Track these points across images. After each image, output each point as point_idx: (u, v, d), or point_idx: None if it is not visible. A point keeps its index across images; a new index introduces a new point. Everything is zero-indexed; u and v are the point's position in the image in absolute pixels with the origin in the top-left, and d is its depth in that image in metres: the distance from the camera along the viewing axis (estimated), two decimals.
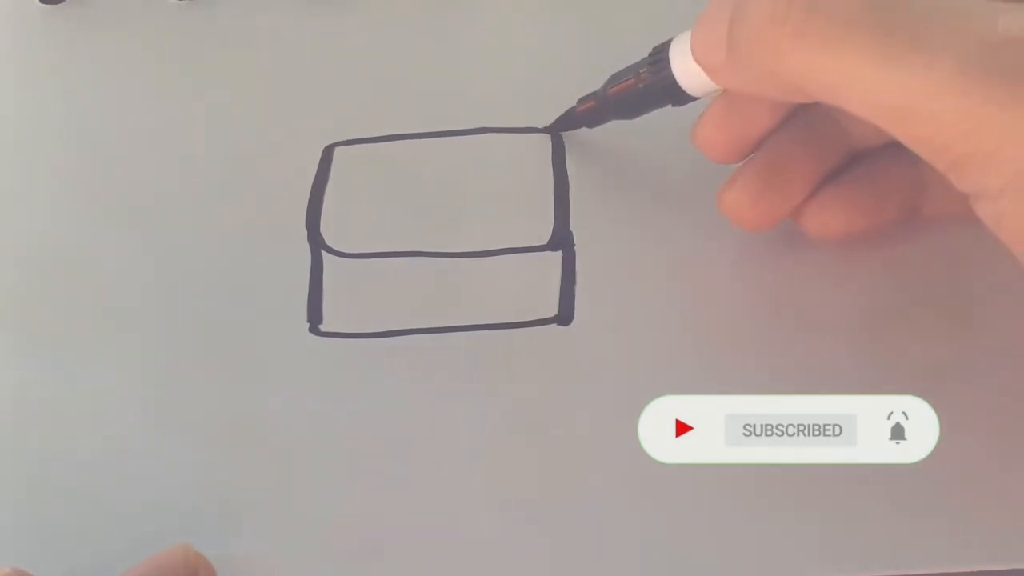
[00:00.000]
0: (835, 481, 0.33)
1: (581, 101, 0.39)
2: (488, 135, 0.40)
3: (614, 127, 0.38)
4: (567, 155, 0.39)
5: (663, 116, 0.38)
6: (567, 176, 0.39)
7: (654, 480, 0.33)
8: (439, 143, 0.40)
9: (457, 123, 0.40)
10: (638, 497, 0.33)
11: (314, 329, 0.36)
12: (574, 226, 0.38)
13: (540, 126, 0.40)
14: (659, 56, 0.36)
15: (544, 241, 0.38)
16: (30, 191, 0.40)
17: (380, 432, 0.34)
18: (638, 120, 0.38)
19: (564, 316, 0.36)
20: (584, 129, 0.39)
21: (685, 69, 0.35)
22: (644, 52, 0.37)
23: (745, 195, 0.35)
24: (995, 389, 0.34)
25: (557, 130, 0.40)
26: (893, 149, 0.34)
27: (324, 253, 0.38)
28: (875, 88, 0.29)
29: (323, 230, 0.38)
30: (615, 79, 0.37)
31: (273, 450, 0.34)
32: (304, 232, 0.38)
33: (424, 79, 0.42)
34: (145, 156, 0.41)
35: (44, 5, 0.45)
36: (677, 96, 0.36)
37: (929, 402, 0.33)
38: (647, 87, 0.36)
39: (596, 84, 0.38)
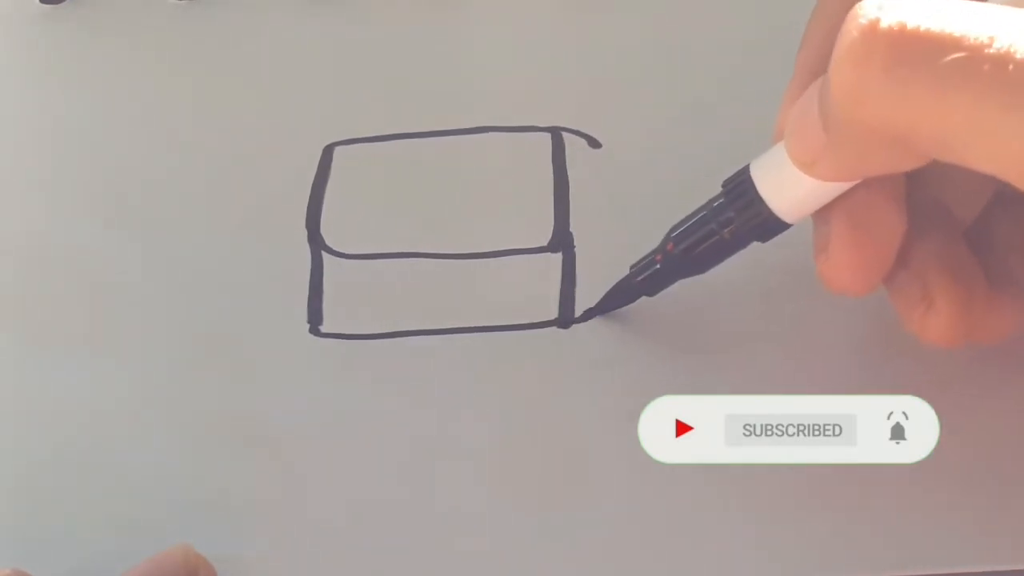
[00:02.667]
0: (835, 481, 0.33)
1: (636, 266, 0.35)
2: (488, 135, 0.40)
3: (623, 128, 0.38)
4: (567, 155, 0.39)
5: (665, 116, 0.38)
6: (567, 176, 0.39)
7: (654, 480, 0.33)
8: (439, 143, 0.40)
9: (457, 123, 0.40)
10: (638, 497, 0.33)
11: (314, 330, 0.36)
12: (574, 227, 0.38)
13: (541, 125, 0.40)
14: (741, 192, 0.31)
15: (544, 242, 0.38)
16: (30, 191, 0.40)
17: (380, 433, 0.34)
18: (637, 120, 0.38)
19: (564, 318, 0.36)
20: (583, 130, 0.39)
21: (780, 196, 0.31)
22: (644, 51, 0.37)
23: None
24: (995, 389, 0.34)
25: (604, 311, 0.36)
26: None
27: (324, 254, 0.38)
28: (1006, 134, 0.25)
29: (323, 230, 0.38)
30: (688, 237, 0.33)
31: (273, 450, 0.34)
32: (304, 232, 0.38)
33: (424, 79, 0.42)
34: (145, 156, 0.41)
35: (44, 5, 0.45)
36: (770, 230, 0.31)
37: (929, 402, 0.33)
38: (738, 230, 0.32)
39: (596, 83, 0.38)
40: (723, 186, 0.32)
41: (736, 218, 0.32)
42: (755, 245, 0.33)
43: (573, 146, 0.40)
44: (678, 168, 0.39)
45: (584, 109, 0.40)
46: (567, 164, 0.39)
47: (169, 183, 0.40)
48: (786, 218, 0.31)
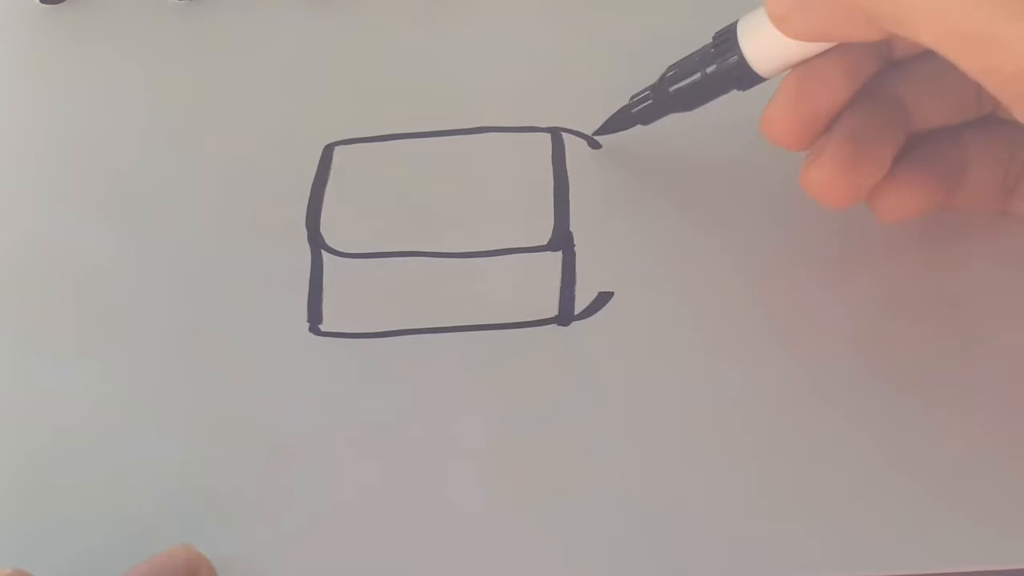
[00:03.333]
0: (835, 481, 0.33)
1: (634, 99, 0.38)
2: (488, 135, 0.40)
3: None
4: (567, 155, 0.39)
5: (667, 117, 0.38)
6: (567, 176, 0.39)
7: (654, 480, 0.33)
8: (439, 143, 0.40)
9: (457, 123, 0.40)
10: (638, 497, 0.33)
11: (314, 329, 0.36)
12: (574, 226, 0.38)
13: (541, 126, 0.40)
14: (725, 40, 0.35)
15: (544, 241, 0.38)
16: (30, 191, 0.40)
17: (380, 432, 0.34)
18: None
19: (564, 316, 0.36)
20: (583, 130, 0.39)
21: (756, 48, 0.34)
22: (644, 51, 0.37)
23: (833, 167, 0.34)
24: (995, 389, 0.34)
25: (607, 132, 0.39)
26: (943, 132, 0.35)
27: (324, 253, 0.38)
28: (949, 15, 0.28)
29: (323, 230, 0.38)
30: (677, 72, 0.37)
31: (273, 449, 0.34)
32: (304, 232, 0.38)
33: (424, 79, 0.42)
34: (144, 156, 0.41)
35: (44, 5, 0.45)
36: (745, 79, 0.35)
37: (926, 400, 0.33)
38: (714, 74, 0.35)
39: (596, 83, 0.38)
40: (713, 36, 0.36)
41: (718, 64, 0.35)
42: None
43: (573, 146, 0.40)
44: (678, 167, 0.39)
45: (584, 109, 0.40)
46: (567, 164, 0.39)
47: (169, 183, 0.40)
48: (759, 70, 0.35)
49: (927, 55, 0.33)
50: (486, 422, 0.34)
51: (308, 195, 0.39)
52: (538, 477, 0.33)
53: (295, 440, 0.34)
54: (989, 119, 0.35)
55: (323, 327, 0.36)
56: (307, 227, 0.39)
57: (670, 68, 0.37)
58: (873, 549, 0.32)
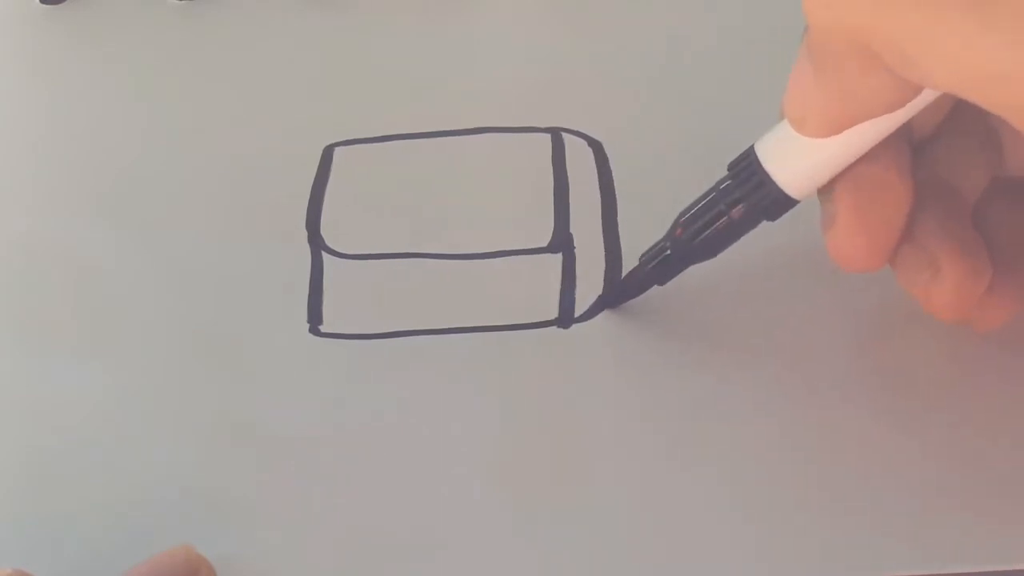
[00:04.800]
0: (835, 482, 0.33)
1: (645, 256, 0.35)
2: (488, 135, 0.40)
3: (623, 128, 0.38)
4: (567, 155, 0.39)
5: (666, 118, 0.38)
6: (567, 177, 0.39)
7: (655, 479, 0.33)
8: (439, 143, 0.40)
9: (457, 123, 0.40)
10: (639, 496, 0.33)
11: (314, 330, 0.36)
12: (574, 228, 0.38)
13: (540, 126, 0.40)
14: (745, 168, 0.32)
15: (544, 243, 0.38)
16: (30, 191, 0.40)
17: (380, 433, 0.34)
18: (637, 120, 0.38)
19: (564, 318, 0.36)
20: (583, 131, 0.39)
21: (785, 169, 0.31)
22: (644, 51, 0.37)
23: (969, 289, 0.31)
24: (995, 389, 0.34)
25: (615, 302, 0.36)
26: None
27: (324, 254, 0.38)
28: (964, 55, 0.25)
29: (323, 231, 0.38)
30: (696, 222, 0.33)
31: (273, 450, 0.34)
32: (304, 233, 0.38)
33: (424, 79, 0.42)
34: (145, 156, 0.41)
35: (44, 5, 0.45)
36: (778, 208, 0.32)
37: (929, 402, 0.33)
38: (746, 209, 0.32)
39: (596, 83, 0.38)
40: (729, 168, 0.32)
41: (744, 197, 0.32)
42: (762, 232, 0.33)
43: (573, 146, 0.40)
44: (678, 168, 0.39)
45: (584, 109, 0.40)
46: (567, 164, 0.39)
47: (169, 183, 0.40)
48: (793, 193, 0.31)
49: (943, 133, 0.32)
50: (486, 424, 0.34)
51: (308, 195, 0.39)
52: (538, 479, 0.33)
53: (295, 440, 0.34)
54: (1005, 183, 0.33)
55: (323, 328, 0.36)
56: (307, 228, 0.39)
57: (683, 214, 0.34)
58: (874, 550, 0.32)
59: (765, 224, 0.37)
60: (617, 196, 0.39)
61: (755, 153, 0.32)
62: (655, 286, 0.35)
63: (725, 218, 0.32)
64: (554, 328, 0.36)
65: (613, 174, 0.39)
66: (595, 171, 0.39)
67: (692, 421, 0.34)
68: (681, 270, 0.34)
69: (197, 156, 0.40)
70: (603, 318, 0.36)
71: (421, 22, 0.43)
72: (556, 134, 0.40)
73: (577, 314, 0.36)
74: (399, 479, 0.33)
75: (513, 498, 0.33)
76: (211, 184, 0.40)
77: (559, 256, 0.37)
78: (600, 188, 0.39)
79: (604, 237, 0.38)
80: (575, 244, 0.38)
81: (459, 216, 0.38)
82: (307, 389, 0.35)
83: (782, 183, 0.31)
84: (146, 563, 0.31)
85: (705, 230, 0.33)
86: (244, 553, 0.32)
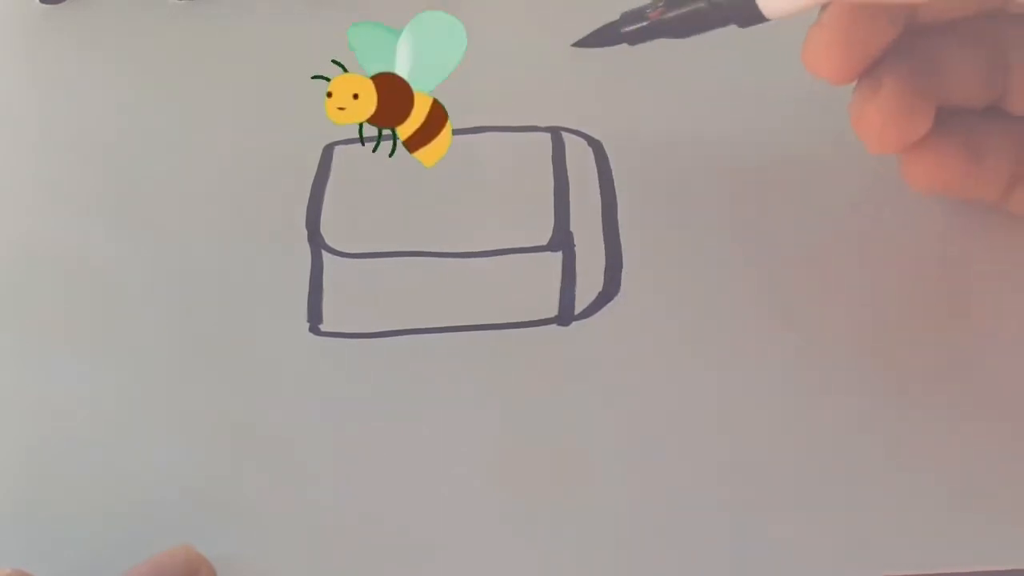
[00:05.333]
0: (839, 481, 0.33)
1: (626, 17, 0.36)
2: (488, 135, 0.40)
3: (623, 128, 0.38)
4: (567, 155, 0.39)
5: (665, 116, 0.38)
6: (567, 176, 0.39)
7: (655, 479, 0.33)
8: None
9: (457, 123, 0.40)
10: (639, 496, 0.33)
11: (314, 329, 0.36)
12: (574, 226, 0.38)
13: (541, 126, 0.40)
14: None
15: (544, 242, 0.38)
16: (29, 191, 0.40)
17: (380, 432, 0.34)
18: (637, 120, 0.38)
19: (564, 316, 0.36)
20: (582, 131, 0.39)
21: None
22: (644, 51, 0.37)
23: (894, 104, 0.33)
24: (995, 389, 0.34)
25: (589, 45, 0.37)
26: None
27: (324, 253, 0.38)
28: None
29: (323, 230, 0.38)
30: (675, 1, 0.35)
31: (273, 449, 0.34)
32: (304, 232, 0.38)
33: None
34: (145, 156, 0.41)
35: (44, 5, 0.45)
36: (748, 16, 0.34)
37: (926, 402, 0.33)
38: (717, 5, 0.34)
39: (596, 83, 0.38)
40: None
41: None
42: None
43: (573, 146, 0.40)
44: (678, 168, 0.39)
45: (584, 109, 0.40)
46: (567, 164, 0.39)
47: (169, 183, 0.40)
48: (764, 10, 0.33)
49: (953, 26, 0.34)
50: (486, 422, 0.34)
51: (308, 195, 0.39)
52: (539, 477, 0.33)
53: (295, 440, 0.34)
54: (1000, 112, 0.35)
55: (323, 327, 0.36)
56: (307, 227, 0.39)
57: None
58: (876, 549, 0.32)
59: (766, 225, 0.37)
60: (617, 195, 0.39)
61: None
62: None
63: (703, 3, 0.34)
64: (554, 326, 0.36)
65: (613, 174, 0.39)
66: (595, 171, 0.39)
67: (692, 420, 0.34)
68: (651, 38, 0.36)
69: (197, 156, 0.40)
70: (603, 317, 0.36)
71: None
72: (556, 134, 0.40)
73: (577, 312, 0.36)
74: (399, 479, 0.33)
75: (513, 498, 0.33)
76: (211, 184, 0.40)
77: (559, 254, 0.37)
78: (600, 187, 0.39)
79: (604, 236, 0.38)
80: (575, 242, 0.38)
81: (459, 215, 0.38)
82: (307, 388, 0.35)
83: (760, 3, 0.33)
84: (146, 563, 0.31)
85: (682, 8, 0.35)
86: (244, 553, 0.32)
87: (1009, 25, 0.34)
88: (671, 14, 0.35)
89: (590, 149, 0.40)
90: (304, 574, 0.32)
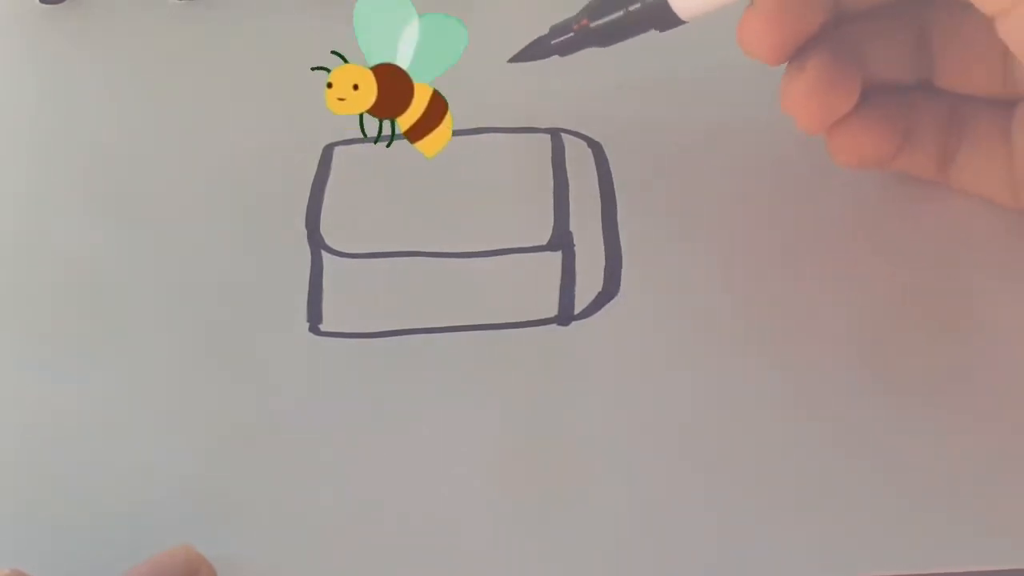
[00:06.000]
0: (835, 483, 0.33)
1: (554, 30, 0.38)
2: (488, 135, 0.40)
3: (623, 128, 0.38)
4: (567, 155, 0.39)
5: (664, 116, 0.38)
6: (567, 176, 0.39)
7: (655, 479, 0.33)
8: None
9: (457, 123, 0.40)
10: (639, 496, 0.33)
11: (314, 329, 0.36)
12: (574, 226, 0.38)
13: (540, 126, 0.40)
14: None
15: (544, 241, 0.38)
16: (28, 191, 0.40)
17: (380, 432, 0.34)
18: (637, 120, 0.38)
19: (564, 316, 0.36)
20: (582, 131, 0.39)
21: None
22: (645, 51, 0.37)
23: (815, 80, 0.35)
24: (995, 389, 0.34)
25: (523, 59, 0.39)
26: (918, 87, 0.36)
27: (324, 253, 0.38)
28: None
29: (323, 230, 0.38)
30: (595, 10, 0.37)
31: (273, 449, 0.34)
32: (304, 232, 0.38)
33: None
34: (145, 156, 0.41)
35: (44, 5, 0.45)
36: (664, 20, 0.36)
37: (927, 401, 0.33)
38: (636, 12, 0.36)
39: (596, 83, 0.38)
40: None
41: (641, 3, 0.36)
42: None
43: (573, 146, 0.40)
44: (678, 168, 0.39)
45: (584, 109, 0.40)
46: (567, 164, 0.39)
47: (169, 183, 0.40)
48: (679, 13, 0.35)
49: (876, 11, 0.36)
50: (486, 422, 0.34)
51: (308, 195, 0.39)
52: (538, 477, 0.33)
53: (295, 440, 0.34)
54: (932, 87, 0.37)
55: (323, 327, 0.36)
56: (307, 227, 0.39)
57: (589, 4, 0.37)
58: (873, 549, 0.32)
59: (766, 225, 0.37)
60: (617, 196, 0.39)
61: None
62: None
63: (622, 12, 0.36)
64: (554, 326, 0.36)
65: (613, 174, 0.39)
66: (595, 171, 0.39)
67: (692, 420, 0.34)
68: (578, 49, 0.38)
69: (197, 156, 0.40)
70: (603, 317, 0.36)
71: None
72: (556, 134, 0.40)
73: (577, 312, 0.36)
74: (399, 479, 0.33)
75: (513, 498, 0.33)
76: (211, 183, 0.40)
77: (559, 254, 0.37)
78: (600, 188, 0.39)
79: (604, 236, 0.38)
80: (575, 242, 0.38)
81: (459, 215, 0.38)
82: (307, 388, 0.35)
83: (673, 2, 0.35)
84: (146, 563, 0.31)
85: (603, 18, 0.37)
86: (244, 553, 0.32)
87: (931, 7, 0.36)
88: (593, 24, 0.37)
89: (590, 150, 0.40)
90: (304, 574, 0.32)
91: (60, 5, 0.45)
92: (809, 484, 0.33)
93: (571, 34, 0.38)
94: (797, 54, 0.35)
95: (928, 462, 0.33)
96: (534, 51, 0.39)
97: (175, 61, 0.43)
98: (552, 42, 0.38)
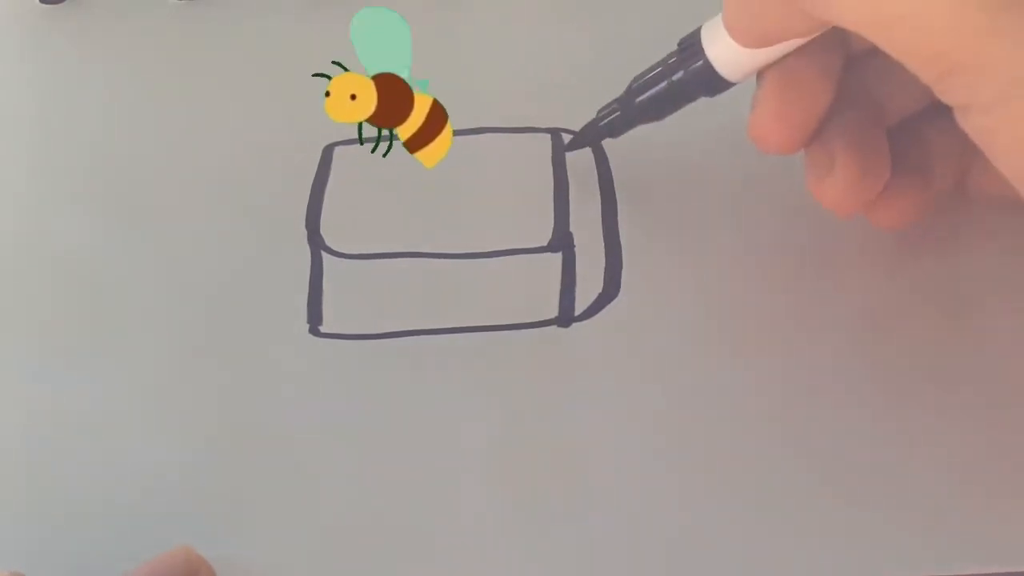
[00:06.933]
0: (835, 483, 0.33)
1: (602, 112, 0.38)
2: (488, 135, 0.40)
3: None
4: (567, 155, 0.39)
5: (665, 118, 0.38)
6: (567, 176, 0.39)
7: (655, 479, 0.33)
8: None
9: (457, 123, 0.40)
10: (639, 497, 0.33)
11: (314, 330, 0.36)
12: (574, 227, 0.38)
13: (540, 126, 0.40)
14: (689, 46, 0.35)
15: (544, 242, 0.38)
16: (29, 191, 0.40)
17: (380, 433, 0.34)
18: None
19: (564, 317, 0.36)
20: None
21: (721, 52, 0.34)
22: (644, 51, 0.37)
23: (845, 182, 0.34)
24: (995, 389, 0.34)
25: (577, 147, 0.39)
26: (934, 120, 0.35)
27: (324, 254, 0.38)
28: None
29: (323, 230, 0.38)
30: (642, 82, 0.36)
31: (273, 451, 0.34)
32: (304, 232, 0.38)
33: (424, 79, 0.42)
34: (145, 156, 0.41)
35: (44, 5, 0.45)
36: (713, 85, 0.35)
37: (927, 399, 0.33)
38: (681, 82, 0.35)
39: (596, 83, 0.38)
40: (678, 44, 0.35)
41: (684, 72, 0.35)
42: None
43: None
44: (678, 168, 0.39)
45: (584, 109, 0.40)
46: (567, 164, 0.39)
47: (169, 183, 0.40)
48: (726, 75, 0.34)
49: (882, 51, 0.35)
50: (487, 423, 0.34)
51: (308, 195, 0.39)
52: (539, 478, 0.33)
53: (295, 441, 0.34)
54: (939, 108, 0.36)
55: (323, 328, 0.36)
56: (307, 227, 0.39)
57: (636, 79, 0.37)
58: (872, 550, 0.32)
59: (766, 225, 0.37)
60: (617, 196, 0.39)
61: (700, 35, 0.34)
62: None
63: (665, 83, 0.36)
64: (554, 327, 0.36)
65: (613, 175, 0.39)
66: (595, 171, 0.39)
67: (692, 420, 0.34)
68: (630, 128, 0.37)
69: (197, 156, 0.40)
70: (603, 318, 0.36)
71: (421, 22, 0.43)
72: (556, 134, 0.40)
73: (577, 313, 0.36)
74: (399, 479, 0.33)
75: (513, 498, 0.33)
76: (211, 184, 0.40)
77: (559, 255, 0.37)
78: (600, 188, 0.39)
79: (604, 236, 0.38)
80: (575, 243, 0.38)
81: (459, 215, 0.38)
82: (307, 389, 0.35)
83: (717, 65, 0.34)
84: (146, 565, 0.31)
85: (647, 93, 0.36)
86: (244, 553, 0.32)
87: None
88: (640, 99, 0.36)
89: (590, 150, 0.40)
90: (304, 574, 0.32)
91: (60, 5, 0.45)
92: (810, 484, 0.33)
93: (617, 113, 0.37)
94: (817, 138, 0.34)
95: (927, 463, 0.33)
96: (585, 137, 0.38)
97: (175, 61, 0.43)
98: (600, 124, 0.38)
